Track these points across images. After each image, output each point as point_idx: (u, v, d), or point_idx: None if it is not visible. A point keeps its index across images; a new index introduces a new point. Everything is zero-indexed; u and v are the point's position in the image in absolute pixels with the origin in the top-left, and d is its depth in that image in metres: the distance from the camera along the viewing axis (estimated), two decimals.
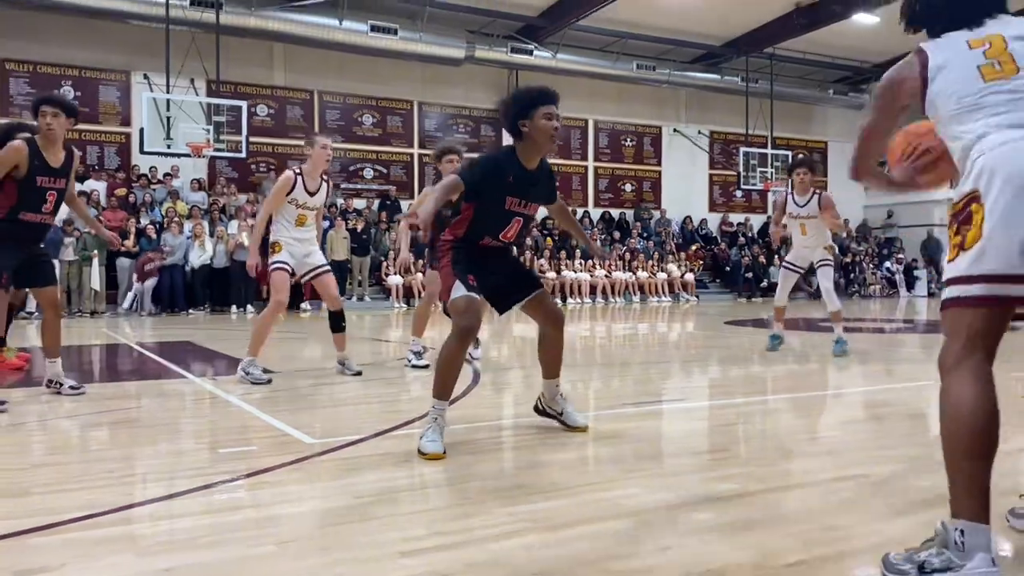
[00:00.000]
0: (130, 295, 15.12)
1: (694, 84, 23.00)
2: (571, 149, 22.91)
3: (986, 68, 2.39)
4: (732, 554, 2.36)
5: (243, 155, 16.90)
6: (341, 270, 16.04)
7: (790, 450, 3.84)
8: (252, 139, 17.09)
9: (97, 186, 16.21)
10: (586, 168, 23.26)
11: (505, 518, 2.70)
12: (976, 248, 2.20)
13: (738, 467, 3.45)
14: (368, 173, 20.36)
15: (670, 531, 2.61)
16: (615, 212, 23.26)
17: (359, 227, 17.63)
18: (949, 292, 2.27)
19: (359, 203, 19.31)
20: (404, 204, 19.76)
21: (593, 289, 19.89)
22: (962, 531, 2.07)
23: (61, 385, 5.41)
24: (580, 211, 22.55)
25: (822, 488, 3.10)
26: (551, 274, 19.42)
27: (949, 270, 2.28)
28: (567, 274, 19.62)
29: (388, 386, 6.02)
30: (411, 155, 20.89)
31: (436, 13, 18.64)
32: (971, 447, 2.12)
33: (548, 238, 20.56)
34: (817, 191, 7.82)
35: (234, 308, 15.71)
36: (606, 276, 20.10)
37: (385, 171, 20.49)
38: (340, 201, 18.75)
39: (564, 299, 19.34)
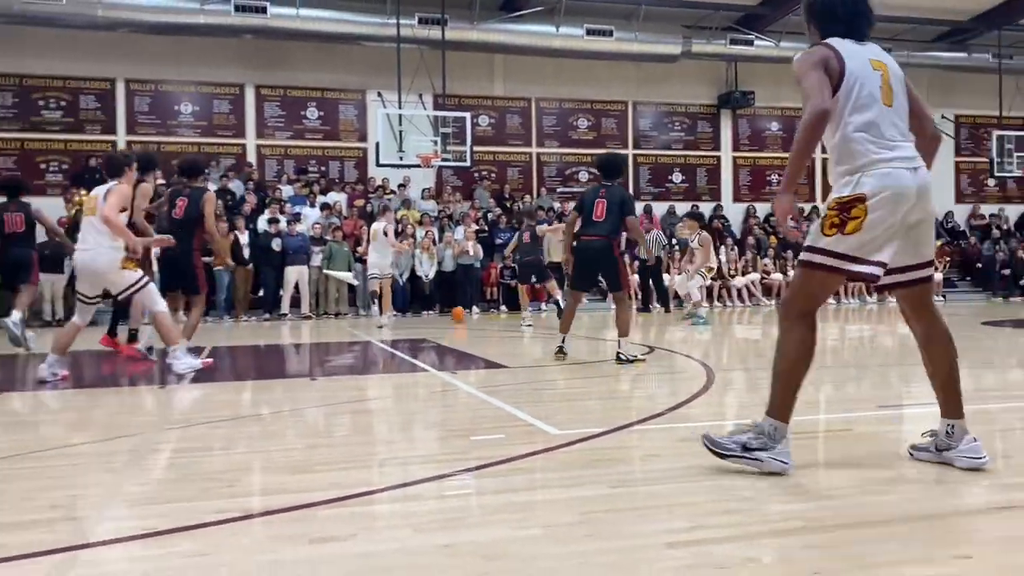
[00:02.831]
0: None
1: (937, 64, 21.07)
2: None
3: (882, 92, 3.03)
4: None
5: (467, 164, 17.62)
6: (560, 272, 16.26)
7: None
8: (475, 148, 17.77)
9: (339, 198, 17.54)
10: (812, 160, 22.00)
11: (775, 516, 2.58)
12: (855, 238, 2.92)
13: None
14: (583, 176, 20.52)
15: (964, 539, 2.37)
16: None
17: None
18: (826, 260, 2.99)
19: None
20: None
21: None
22: (775, 427, 3.03)
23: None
24: (807, 206, 21.39)
25: None
26: (776, 275, 18.57)
27: (828, 243, 2.96)
28: (793, 274, 18.67)
29: (620, 383, 5.99)
30: (625, 156, 20.79)
31: (651, 11, 18.44)
32: (802, 374, 3.06)
33: (772, 236, 19.69)
34: None
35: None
36: None
37: (599, 173, 20.52)
38: (557, 205, 19.04)
39: None
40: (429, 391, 5.78)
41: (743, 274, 18.35)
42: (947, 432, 3.12)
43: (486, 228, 17.73)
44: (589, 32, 18.23)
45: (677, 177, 21.00)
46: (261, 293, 15.49)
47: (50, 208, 16.01)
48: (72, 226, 14.49)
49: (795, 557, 2.21)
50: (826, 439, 3.95)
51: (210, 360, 6.51)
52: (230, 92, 18.20)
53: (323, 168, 18.71)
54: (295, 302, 15.47)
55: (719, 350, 8.77)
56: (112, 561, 2.26)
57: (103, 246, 6.16)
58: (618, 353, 6.91)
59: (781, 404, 3.05)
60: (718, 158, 21.33)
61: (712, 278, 17.56)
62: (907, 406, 4.93)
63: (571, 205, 18.54)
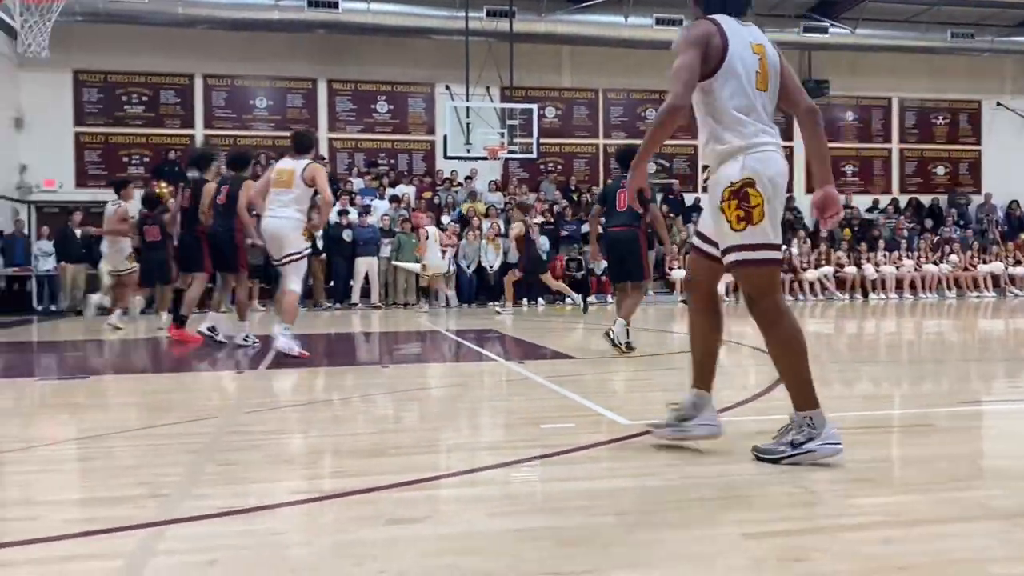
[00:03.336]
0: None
1: (1022, 50, 20.21)
2: (872, 132, 21.18)
3: (758, 76, 3.03)
4: None
5: (534, 156, 17.63)
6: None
7: None
8: (541, 140, 17.75)
9: (407, 190, 17.74)
10: (890, 151, 21.36)
11: (854, 509, 2.51)
12: (765, 224, 2.96)
13: None
14: (650, 167, 20.29)
15: None
16: (925, 198, 21.10)
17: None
18: (765, 255, 3.01)
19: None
20: (688, 198, 19.49)
21: (900, 284, 18.23)
22: (811, 417, 3.00)
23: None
24: (885, 198, 20.77)
25: None
26: (850, 268, 18.09)
27: (753, 236, 2.97)
28: (868, 268, 18.16)
29: (684, 375, 5.92)
30: (694, 147, 20.49)
31: None
32: (807, 359, 3.06)
33: (846, 229, 19.18)
34: None
35: (524, 301, 16.36)
36: (915, 269, 18.33)
37: (668, 164, 20.31)
38: None
39: (866, 294, 17.93)
40: (497, 380, 5.82)
41: (816, 267, 17.93)
42: (694, 404, 3.34)
43: (552, 220, 17.71)
44: (659, 21, 18.02)
45: None
46: (332, 283, 15.80)
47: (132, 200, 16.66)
48: None
49: (877, 552, 2.15)
50: (906, 433, 3.85)
51: (307, 353, 6.75)
52: (303, 86, 18.58)
53: (392, 161, 18.96)
54: (365, 292, 15.73)
55: None
56: (196, 537, 2.33)
57: (291, 216, 6.85)
58: (609, 330, 6.95)
59: (804, 394, 3.04)
60: (790, 148, 20.71)
61: (783, 271, 17.18)
62: (989, 402, 4.77)
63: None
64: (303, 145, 7.08)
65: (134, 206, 11.26)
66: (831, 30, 18.94)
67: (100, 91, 17.63)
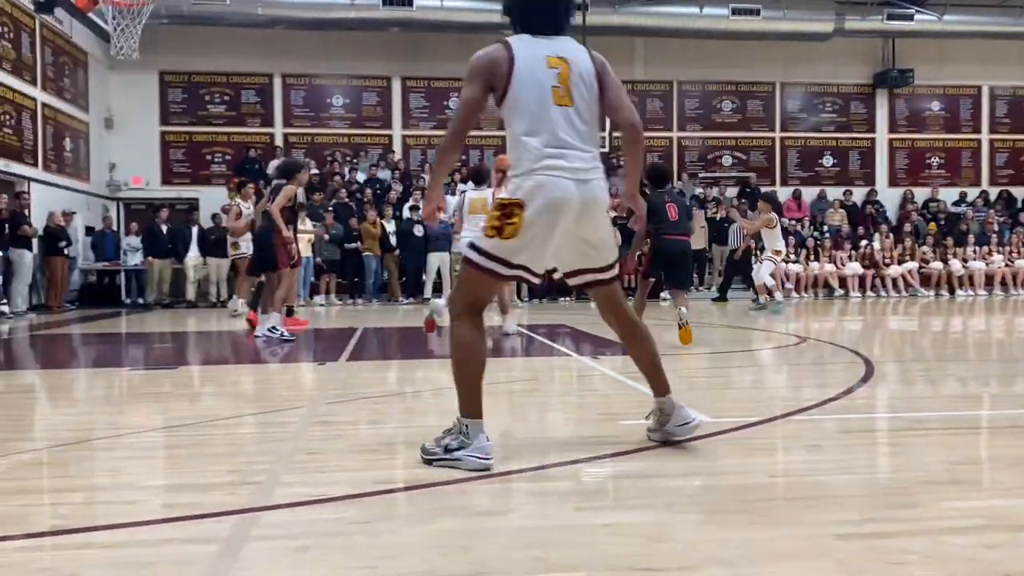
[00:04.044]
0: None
1: None
2: (960, 121, 20.35)
3: (556, 92, 2.93)
4: None
5: (607, 150, 17.48)
6: (700, 259, 15.92)
7: None
8: (615, 134, 17.60)
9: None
10: (979, 142, 20.50)
11: (952, 512, 2.42)
12: (511, 243, 2.93)
13: None
14: (726, 160, 19.95)
15: None
16: (1017, 191, 20.19)
17: (719, 216, 17.33)
18: (491, 265, 2.97)
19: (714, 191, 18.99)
20: (766, 191, 19.06)
21: (989, 280, 17.50)
22: (468, 425, 2.98)
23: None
24: (974, 190, 19.94)
25: None
26: (936, 263, 17.45)
27: (494, 247, 2.95)
28: (955, 263, 17.48)
29: (766, 373, 5.81)
30: (772, 139, 20.06)
31: None
32: (475, 370, 3.03)
33: (932, 223, 18.50)
34: None
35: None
36: (1006, 264, 17.56)
37: (744, 157, 19.92)
38: (699, 190, 18.60)
39: (952, 291, 17.28)
40: (573, 375, 5.80)
41: (899, 263, 17.35)
42: (660, 409, 3.27)
43: (624, 215, 17.53)
44: (735, 11, 17.67)
45: (828, 161, 20.08)
46: (404, 279, 16.01)
47: (214, 196, 17.27)
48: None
49: (980, 557, 2.07)
50: (997, 435, 3.70)
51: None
52: (378, 84, 18.84)
53: (464, 156, 19.07)
54: (437, 287, 15.88)
55: (872, 341, 8.34)
56: (288, 524, 2.39)
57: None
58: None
59: (466, 401, 3.01)
60: (872, 140, 20.22)
61: (864, 265, 16.81)
62: None
63: (714, 191, 18.17)
64: (479, 176, 8.47)
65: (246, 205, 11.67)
66: (917, 17, 18.27)
67: (184, 91, 18.21)
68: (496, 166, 8.40)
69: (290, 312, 9.30)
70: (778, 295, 12.16)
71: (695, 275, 15.14)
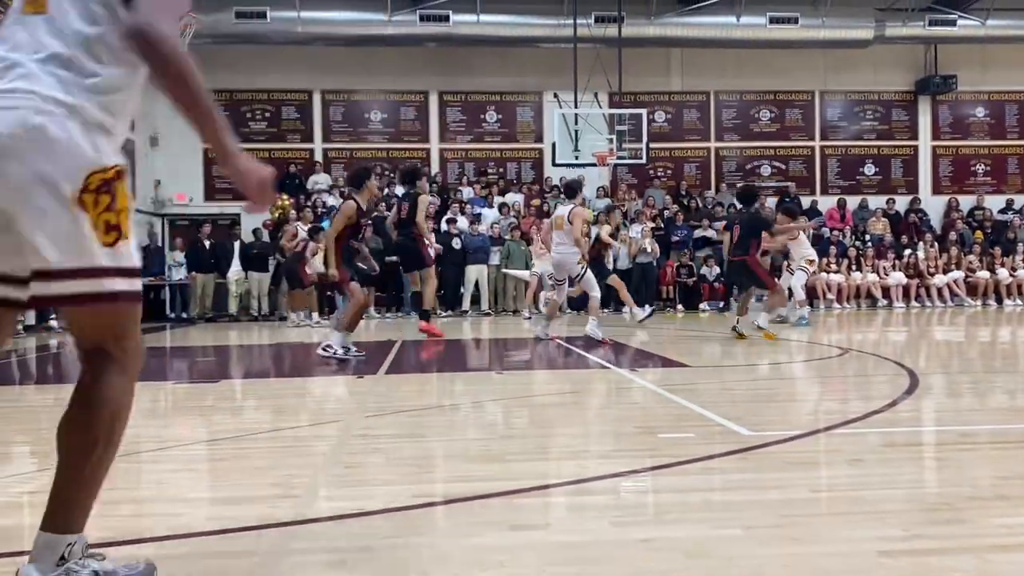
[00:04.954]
0: (542, 295, 16.39)
1: None
2: (1005, 127, 19.91)
3: None
4: None
5: (643, 161, 17.45)
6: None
7: None
8: (651, 145, 17.55)
9: (516, 198, 17.88)
10: None
11: (1000, 529, 2.37)
12: (133, 240, 1.90)
13: None
14: (765, 170, 19.75)
15: None
16: None
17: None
18: (129, 285, 1.88)
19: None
20: (804, 201, 18.84)
21: None
22: (84, 542, 1.92)
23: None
24: (1021, 198, 19.46)
25: None
26: (983, 272, 17.05)
27: (119, 258, 1.84)
28: (1002, 272, 17.07)
29: (809, 385, 5.74)
30: (812, 148, 19.82)
31: None
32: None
33: (978, 231, 18.10)
34: None
35: (626, 309, 16.14)
36: None
37: (783, 167, 19.71)
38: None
39: (1000, 300, 16.88)
40: (612, 387, 5.77)
41: (944, 272, 17.00)
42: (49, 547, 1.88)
43: (662, 225, 17.46)
44: (772, 20, 17.52)
45: (869, 169, 19.77)
46: (443, 292, 16.08)
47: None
48: (275, 227, 15.74)
49: None
50: None
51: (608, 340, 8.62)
52: (415, 99, 19.01)
53: (501, 169, 19.15)
54: (475, 299, 15.94)
55: (916, 352, 8.19)
56: (327, 537, 2.41)
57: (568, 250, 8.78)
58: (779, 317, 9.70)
59: (86, 509, 1.94)
60: (915, 148, 19.87)
61: (908, 276, 16.51)
62: None
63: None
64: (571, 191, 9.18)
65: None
66: (959, 22, 17.95)
67: (226, 108, 18.54)
68: None
69: (427, 316, 9.76)
70: (804, 310, 11.77)
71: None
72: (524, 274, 15.34)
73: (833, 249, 16.62)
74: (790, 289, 11.75)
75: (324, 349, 7.61)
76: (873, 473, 3.06)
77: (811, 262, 12.03)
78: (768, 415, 4.51)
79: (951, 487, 2.84)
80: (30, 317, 12.33)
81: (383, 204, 17.06)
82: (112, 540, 2.41)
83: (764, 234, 9.27)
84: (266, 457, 3.58)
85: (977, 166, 19.87)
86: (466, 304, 15.81)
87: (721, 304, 15.76)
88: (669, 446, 3.55)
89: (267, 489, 2.95)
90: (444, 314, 15.55)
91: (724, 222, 13.66)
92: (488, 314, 15.57)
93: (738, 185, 17.24)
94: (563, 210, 8.97)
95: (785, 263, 12.74)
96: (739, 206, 10.22)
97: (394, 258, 15.77)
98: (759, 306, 9.69)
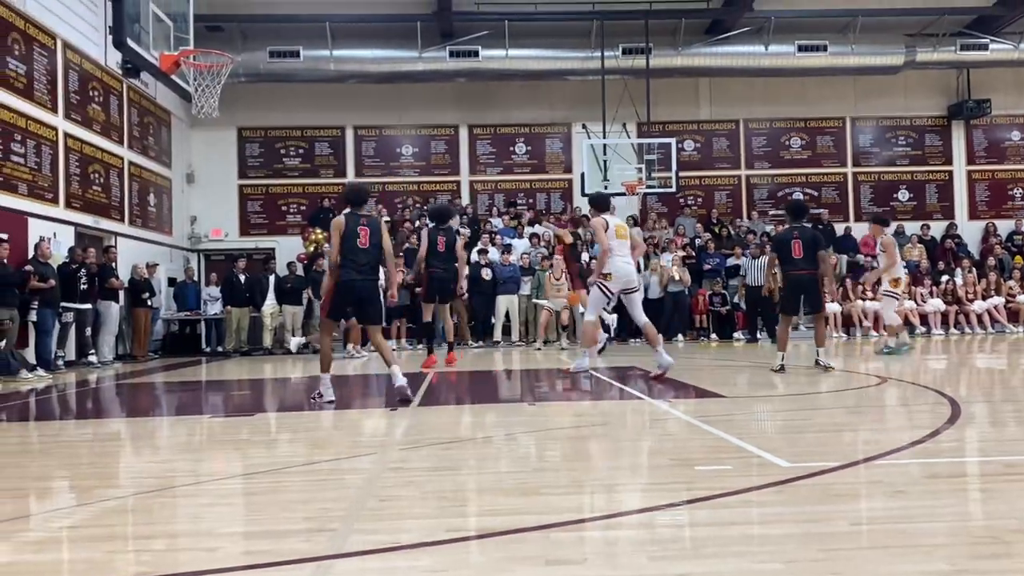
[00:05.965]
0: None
1: None
2: None
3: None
4: None
5: (673, 190, 17.45)
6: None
7: None
8: (681, 173, 17.54)
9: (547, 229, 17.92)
10: None
11: None
12: None
13: None
14: (797, 197, 19.59)
15: None
16: None
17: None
18: None
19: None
20: (838, 228, 18.67)
21: None
22: None
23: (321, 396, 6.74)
24: None
25: None
26: (1023, 297, 16.73)
27: None
28: None
29: (847, 415, 5.63)
30: (844, 175, 19.69)
31: (869, 22, 17.42)
32: None
33: (1017, 256, 17.80)
34: None
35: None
36: None
37: (816, 193, 19.57)
38: (769, 227, 18.31)
39: None
40: (646, 419, 5.72)
41: (983, 298, 16.69)
42: None
43: (694, 254, 17.38)
44: (801, 48, 17.53)
45: (903, 195, 19.58)
46: (473, 323, 16.09)
47: (290, 245, 17.80)
48: (309, 261, 15.91)
49: None
50: None
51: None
52: (446, 133, 19.24)
53: (531, 200, 19.24)
54: (506, 330, 15.93)
55: (957, 380, 8.02)
56: (362, 571, 2.41)
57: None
58: (817, 360, 8.52)
59: None
60: (950, 173, 19.65)
61: (946, 301, 16.23)
62: None
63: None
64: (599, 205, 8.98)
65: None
66: (992, 46, 17.81)
67: (261, 145, 18.91)
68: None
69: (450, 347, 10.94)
70: (904, 335, 11.33)
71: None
72: (555, 304, 15.31)
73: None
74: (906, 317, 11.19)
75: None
76: (916, 505, 2.99)
77: (896, 282, 10.97)
78: (807, 446, 4.43)
79: (997, 519, 2.77)
80: (70, 352, 12.54)
81: (414, 236, 17.22)
82: (148, 575, 2.43)
83: (820, 253, 8.64)
84: (301, 491, 3.59)
85: (1015, 190, 19.60)
86: (497, 334, 15.80)
87: (750, 335, 15.60)
88: (706, 478, 3.50)
89: (302, 523, 2.95)
90: (475, 345, 15.56)
91: (771, 238, 13.53)
92: (519, 344, 15.54)
93: (791, 197, 17.44)
94: (618, 220, 8.75)
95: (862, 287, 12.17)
96: (784, 222, 10.04)
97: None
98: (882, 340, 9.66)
